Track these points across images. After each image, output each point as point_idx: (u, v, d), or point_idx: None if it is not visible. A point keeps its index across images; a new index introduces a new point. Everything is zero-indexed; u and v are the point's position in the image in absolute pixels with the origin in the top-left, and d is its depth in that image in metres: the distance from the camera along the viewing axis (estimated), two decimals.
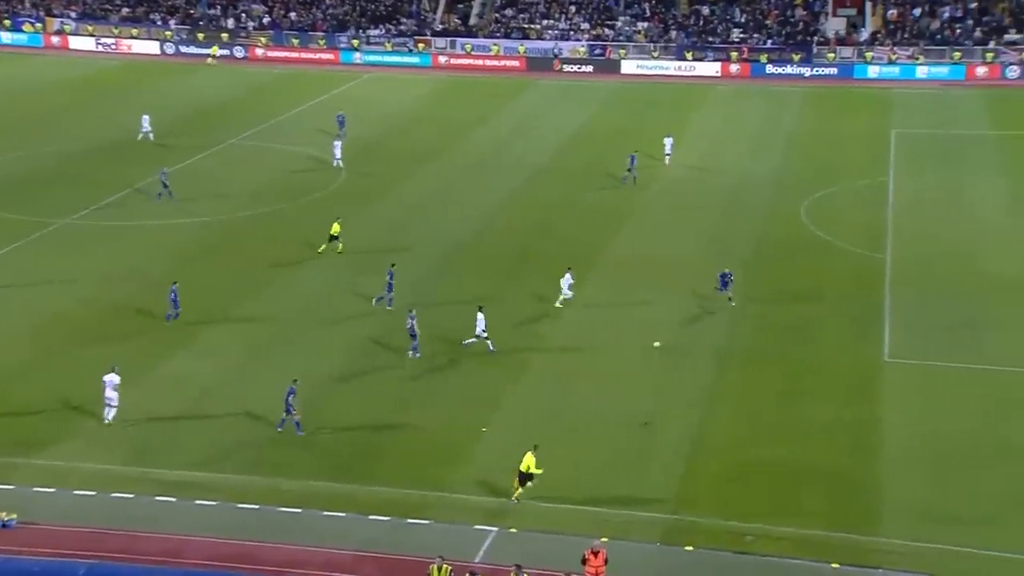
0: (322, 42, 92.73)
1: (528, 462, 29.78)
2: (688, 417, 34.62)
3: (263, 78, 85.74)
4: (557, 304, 42.11)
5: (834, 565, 27.51)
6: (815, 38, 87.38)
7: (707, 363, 38.14)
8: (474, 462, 32.46)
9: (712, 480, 31.43)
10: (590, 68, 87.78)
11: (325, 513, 29.84)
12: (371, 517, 29.66)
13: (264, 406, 34.71)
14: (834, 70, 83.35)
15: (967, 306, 42.04)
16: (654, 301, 42.95)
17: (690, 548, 28.35)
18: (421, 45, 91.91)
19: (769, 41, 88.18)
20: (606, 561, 25.77)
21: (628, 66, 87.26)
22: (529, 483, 29.83)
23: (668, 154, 59.24)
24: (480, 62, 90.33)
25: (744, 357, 38.57)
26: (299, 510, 29.94)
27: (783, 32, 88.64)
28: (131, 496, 30.41)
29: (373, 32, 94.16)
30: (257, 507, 30.09)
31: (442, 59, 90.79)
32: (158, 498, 30.27)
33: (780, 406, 35.24)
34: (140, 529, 28.93)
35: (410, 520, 29.58)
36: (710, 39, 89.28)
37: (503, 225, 52.23)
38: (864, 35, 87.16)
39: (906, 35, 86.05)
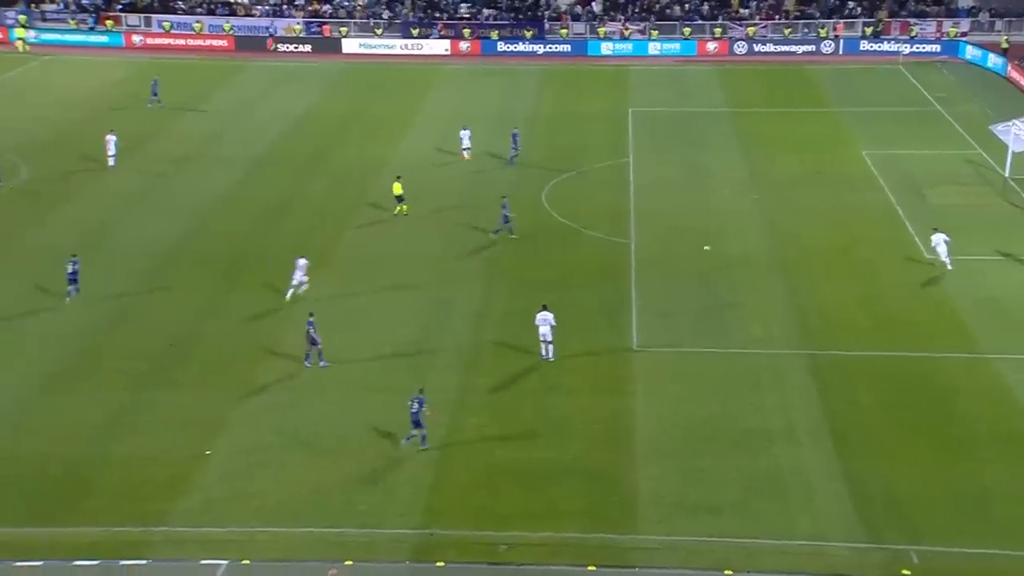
0: None
1: None
2: (436, 422, 35.07)
3: None
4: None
5: (591, 568, 28.63)
6: (546, 13, 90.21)
7: (452, 363, 38.73)
8: (197, 491, 31.63)
9: (463, 488, 31.97)
10: (308, 48, 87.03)
11: (17, 564, 28.27)
12: (76, 562, 28.39)
13: None
14: (567, 47, 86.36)
15: (709, 288, 44.59)
16: (392, 302, 43.17)
17: (441, 564, 28.75)
18: (110, 22, 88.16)
19: (498, 16, 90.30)
20: None
21: (350, 45, 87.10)
22: None
23: (467, 148, 59.39)
24: (182, 42, 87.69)
25: (492, 353, 39.41)
26: None
27: (512, 7, 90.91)
28: None
29: (49, 6, 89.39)
30: None
31: (136, 38, 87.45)
32: None
33: (532, 403, 36.26)
34: None
35: (124, 561, 28.50)
36: (436, 15, 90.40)
37: (219, 226, 50.95)
38: (596, 9, 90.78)
39: (636, 11, 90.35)
